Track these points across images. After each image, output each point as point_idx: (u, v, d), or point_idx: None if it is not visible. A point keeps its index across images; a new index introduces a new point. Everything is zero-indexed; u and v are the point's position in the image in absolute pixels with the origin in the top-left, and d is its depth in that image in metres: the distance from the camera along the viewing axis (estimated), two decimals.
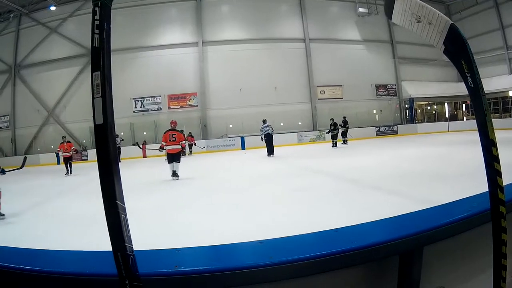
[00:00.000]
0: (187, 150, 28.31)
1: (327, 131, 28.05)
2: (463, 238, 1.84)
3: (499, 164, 1.50)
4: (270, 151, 22.93)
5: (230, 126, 35.25)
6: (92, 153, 31.49)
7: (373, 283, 1.75)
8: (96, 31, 1.18)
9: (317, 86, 37.41)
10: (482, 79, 1.48)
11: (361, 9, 38.22)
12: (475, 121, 1.53)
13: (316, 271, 1.55)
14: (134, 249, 1.23)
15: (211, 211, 8.53)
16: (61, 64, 35.28)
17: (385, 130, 36.92)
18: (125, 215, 1.19)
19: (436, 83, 39.58)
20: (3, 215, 9.06)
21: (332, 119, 26.99)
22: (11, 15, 35.99)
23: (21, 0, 34.77)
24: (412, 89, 39.30)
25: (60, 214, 9.39)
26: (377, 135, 36.26)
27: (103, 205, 1.16)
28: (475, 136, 1.62)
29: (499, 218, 1.53)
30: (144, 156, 30.55)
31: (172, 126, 15.15)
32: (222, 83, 35.39)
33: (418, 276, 1.71)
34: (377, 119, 38.92)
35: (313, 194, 9.60)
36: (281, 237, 1.78)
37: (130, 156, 29.00)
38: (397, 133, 36.81)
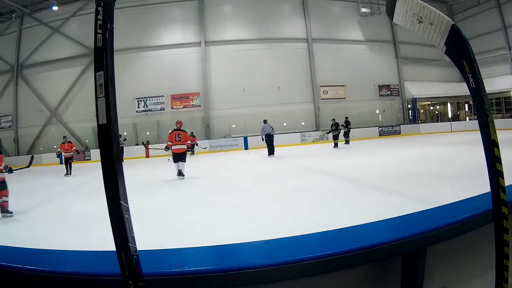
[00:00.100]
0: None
1: (328, 131, 28.05)
2: (466, 238, 1.84)
3: (501, 165, 1.50)
4: (271, 151, 22.97)
5: (233, 126, 35.21)
6: (95, 153, 31.63)
7: (376, 283, 1.74)
8: (99, 30, 1.17)
9: (320, 86, 37.43)
10: (484, 79, 1.47)
11: (363, 9, 38.21)
12: (477, 121, 1.53)
13: (320, 271, 1.55)
14: (138, 249, 1.24)
15: (213, 211, 8.54)
16: (63, 64, 35.39)
17: (388, 130, 36.86)
18: (129, 215, 1.19)
19: (439, 83, 39.54)
20: (11, 212, 9.24)
21: (334, 119, 26.89)
22: (13, 15, 36.13)
23: (24, 0, 34.83)
24: (414, 89, 39.25)
25: (60, 214, 9.42)
26: (380, 135, 36.20)
27: (107, 205, 1.16)
28: (478, 137, 1.62)
29: (501, 219, 1.52)
30: (147, 156, 30.61)
31: (178, 126, 15.17)
32: (224, 83, 35.43)
33: (422, 276, 1.71)
34: (380, 119, 38.91)
35: (313, 194, 9.60)
36: (285, 237, 1.78)
37: (133, 156, 29.03)
38: (400, 133, 36.73)
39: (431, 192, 8.31)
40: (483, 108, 1.48)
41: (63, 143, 20.68)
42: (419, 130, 37.13)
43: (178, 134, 14.82)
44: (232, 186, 12.38)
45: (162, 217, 8.14)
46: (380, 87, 39.31)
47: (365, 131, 34.67)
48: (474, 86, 1.48)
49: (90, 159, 31.46)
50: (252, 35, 36.59)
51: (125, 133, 31.82)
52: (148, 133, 34.91)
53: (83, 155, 31.67)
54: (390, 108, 39.53)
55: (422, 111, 42.43)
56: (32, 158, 12.10)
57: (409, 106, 40.28)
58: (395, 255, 1.69)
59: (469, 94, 1.52)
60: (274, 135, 23.58)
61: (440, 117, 42.40)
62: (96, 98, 1.16)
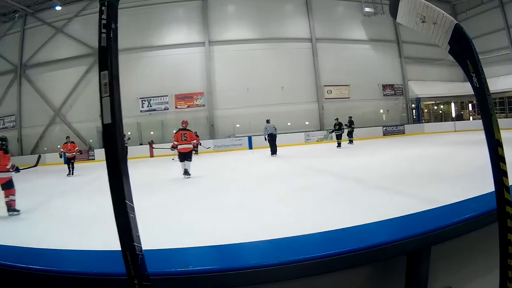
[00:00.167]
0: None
1: (330, 130, 28.03)
2: (470, 237, 1.83)
3: (505, 164, 1.50)
4: (273, 151, 23.09)
5: (237, 126, 35.25)
6: (99, 153, 31.66)
7: (379, 283, 1.74)
8: (103, 30, 1.17)
9: (324, 85, 37.40)
10: (487, 79, 1.47)
11: (367, 9, 38.20)
12: (481, 120, 1.53)
13: (322, 270, 1.55)
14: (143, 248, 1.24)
15: (216, 210, 8.60)
16: (67, 64, 35.45)
17: (392, 130, 36.85)
18: (134, 215, 1.18)
19: (442, 83, 39.44)
20: (18, 211, 9.44)
21: (337, 119, 26.84)
22: (16, 15, 36.21)
23: (26, 0, 34.89)
24: (418, 88, 39.19)
25: (59, 214, 9.50)
26: (384, 135, 36.16)
27: (112, 205, 1.16)
28: (481, 136, 1.61)
29: (505, 218, 1.52)
30: (151, 155, 30.65)
31: (184, 125, 15.29)
32: (228, 83, 35.41)
33: (426, 276, 1.71)
34: (384, 119, 38.85)
35: (317, 194, 9.62)
36: (288, 237, 1.78)
37: (137, 156, 29.01)
38: (404, 133, 36.72)
39: (437, 193, 8.27)
40: (487, 108, 1.48)
41: (65, 143, 20.65)
42: (423, 129, 37.09)
43: (184, 133, 14.94)
44: (236, 185, 12.45)
45: (166, 216, 8.16)
46: (384, 87, 39.24)
47: (369, 130, 34.73)
48: (478, 86, 1.48)
49: (94, 159, 31.48)
50: (255, 34, 36.59)
51: (129, 133, 31.88)
52: (152, 132, 34.98)
53: (87, 154, 31.74)
54: (394, 108, 39.44)
55: (426, 110, 42.41)
56: (39, 157, 12.23)
57: (413, 105, 40.20)
58: (398, 255, 1.69)
59: (473, 93, 1.52)
60: (277, 135, 23.61)
61: (444, 117, 42.27)
62: (101, 97, 1.16)
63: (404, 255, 1.70)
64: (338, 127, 26.29)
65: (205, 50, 35.85)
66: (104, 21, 1.18)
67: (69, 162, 20.27)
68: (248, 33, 36.56)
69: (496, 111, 1.54)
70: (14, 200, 9.51)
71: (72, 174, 19.89)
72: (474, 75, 1.47)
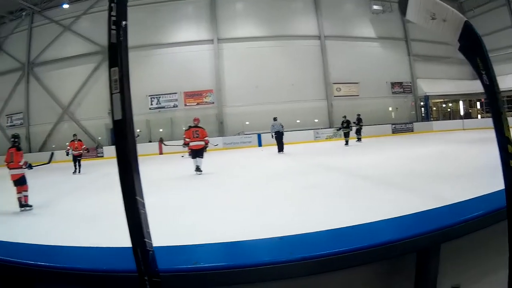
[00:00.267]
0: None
1: (338, 128, 27.99)
2: (479, 235, 1.83)
3: None
4: (280, 148, 23.18)
5: (247, 123, 35.16)
6: (107, 150, 31.78)
7: (389, 280, 1.74)
8: (113, 27, 1.17)
9: (333, 83, 37.26)
10: (496, 77, 1.47)
11: (375, 7, 38.01)
12: (489, 119, 1.52)
13: (333, 268, 1.55)
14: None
15: (224, 207, 8.58)
16: (75, 61, 35.53)
17: (401, 128, 36.67)
18: (145, 211, 1.18)
19: (451, 81, 39.20)
20: (31, 206, 9.69)
21: (345, 116, 26.86)
22: (23, 13, 36.34)
23: None
24: (427, 86, 38.98)
25: (62, 213, 9.45)
26: (393, 132, 36.03)
27: (123, 201, 1.16)
28: (490, 134, 1.61)
29: None
30: (161, 153, 30.72)
31: (195, 123, 15.44)
32: (237, 80, 35.40)
33: (435, 274, 1.71)
34: (393, 117, 38.70)
35: (323, 192, 9.64)
36: (299, 234, 1.78)
37: (146, 153, 28.97)
38: (412, 131, 36.53)
39: (440, 191, 8.25)
40: (497, 105, 1.47)
41: (72, 140, 20.62)
42: (431, 127, 36.87)
43: (196, 130, 15.10)
44: (244, 182, 12.50)
45: (170, 214, 8.12)
46: (393, 85, 39.05)
47: (378, 128, 34.59)
48: (488, 83, 1.47)
49: (103, 156, 31.59)
50: (264, 32, 36.54)
51: (138, 130, 31.78)
52: (161, 130, 34.98)
53: (95, 152, 31.84)
54: (402, 106, 39.28)
55: (434, 108, 42.22)
56: (52, 154, 12.38)
57: (421, 103, 40.05)
58: (408, 253, 1.69)
59: (481, 91, 1.51)
60: (284, 132, 23.62)
61: (452, 115, 42.11)
62: (111, 94, 1.16)
63: (414, 253, 1.70)
64: (346, 124, 26.25)
65: (214, 47, 35.79)
66: (114, 18, 1.18)
67: (76, 160, 20.20)
68: (257, 31, 36.49)
69: (505, 109, 1.54)
70: (27, 196, 9.73)
71: (79, 172, 19.82)
72: (484, 72, 1.47)
